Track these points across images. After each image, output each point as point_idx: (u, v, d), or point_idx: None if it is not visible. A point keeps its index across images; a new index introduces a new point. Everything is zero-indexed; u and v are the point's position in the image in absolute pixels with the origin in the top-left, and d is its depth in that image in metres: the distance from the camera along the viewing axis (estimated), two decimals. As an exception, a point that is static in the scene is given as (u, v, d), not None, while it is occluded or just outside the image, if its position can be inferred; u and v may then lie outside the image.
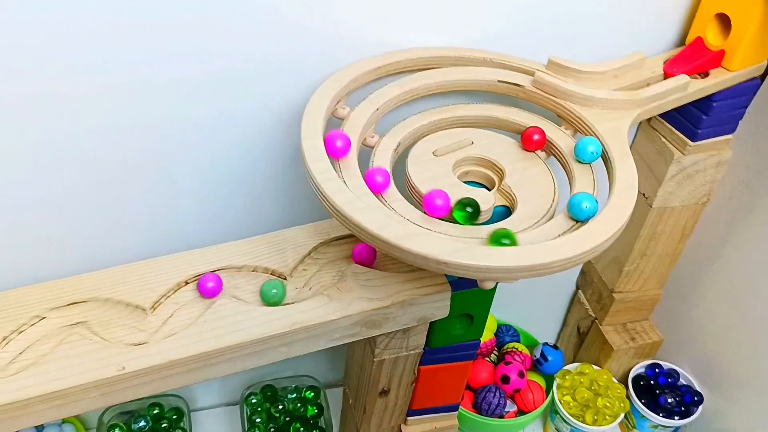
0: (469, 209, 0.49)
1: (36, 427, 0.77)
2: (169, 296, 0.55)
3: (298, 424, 0.78)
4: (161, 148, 0.60)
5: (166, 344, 0.51)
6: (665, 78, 0.62)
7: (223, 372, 0.53)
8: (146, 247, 0.65)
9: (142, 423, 0.76)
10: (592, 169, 0.54)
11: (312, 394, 0.81)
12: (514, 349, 0.87)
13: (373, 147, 0.56)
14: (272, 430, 0.78)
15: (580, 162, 0.54)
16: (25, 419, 0.49)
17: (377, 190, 0.50)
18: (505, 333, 0.90)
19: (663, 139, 0.71)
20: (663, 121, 0.70)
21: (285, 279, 0.57)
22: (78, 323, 0.53)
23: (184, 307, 0.55)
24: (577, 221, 0.49)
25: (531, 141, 0.56)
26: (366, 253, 0.57)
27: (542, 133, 0.56)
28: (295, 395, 0.82)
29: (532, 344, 0.92)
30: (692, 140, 0.68)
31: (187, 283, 0.56)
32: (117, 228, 0.64)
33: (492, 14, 0.61)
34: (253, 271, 0.58)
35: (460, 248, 0.44)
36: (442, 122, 0.59)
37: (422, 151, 0.56)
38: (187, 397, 0.83)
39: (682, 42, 0.67)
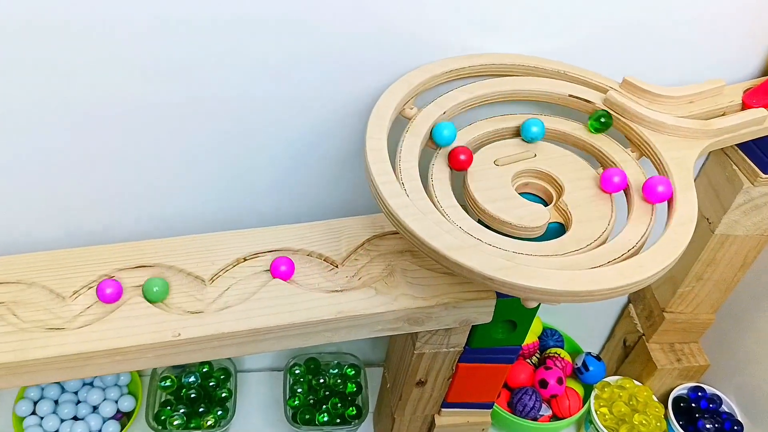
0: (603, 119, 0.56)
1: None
2: (228, 270, 0.58)
3: (336, 399, 0.81)
4: (241, 124, 0.62)
5: (220, 316, 0.54)
6: (743, 108, 0.61)
7: (269, 348, 0.56)
8: (213, 220, 0.69)
9: (192, 378, 0.81)
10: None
11: (353, 371, 0.84)
12: (556, 355, 0.87)
13: (436, 149, 0.57)
14: (311, 401, 0.81)
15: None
16: (88, 369, 0.53)
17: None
18: (550, 337, 0.91)
19: (734, 167, 0.69)
20: (736, 148, 0.68)
21: (337, 267, 0.59)
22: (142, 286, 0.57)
23: (241, 282, 0.58)
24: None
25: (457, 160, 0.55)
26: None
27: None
28: (336, 371, 0.85)
29: (575, 351, 0.92)
30: (764, 172, 0.66)
31: (245, 260, 0.59)
32: (189, 197, 0.68)
33: (573, 26, 0.60)
34: (308, 255, 0.60)
35: (505, 265, 0.45)
36: (507, 131, 0.60)
37: (484, 158, 0.56)
38: (236, 358, 0.87)
39: (765, 72, 0.65)
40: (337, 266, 0.59)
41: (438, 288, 0.57)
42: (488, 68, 0.61)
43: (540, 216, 0.52)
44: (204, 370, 0.83)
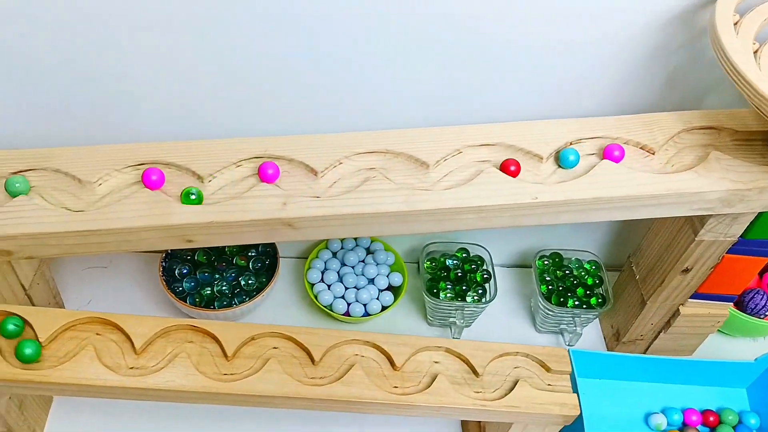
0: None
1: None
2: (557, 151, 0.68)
3: (581, 289, 0.91)
4: (559, 32, 0.70)
5: (568, 186, 0.64)
6: None
7: (602, 217, 0.66)
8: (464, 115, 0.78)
9: (454, 261, 0.92)
10: None
11: (593, 267, 0.94)
12: (779, 265, 0.95)
13: (756, 52, 0.64)
14: (560, 288, 0.91)
15: None
16: (454, 223, 0.65)
17: None
18: None
19: None
20: None
21: (653, 154, 0.68)
22: (372, 168, 0.67)
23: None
24: None
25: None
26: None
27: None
28: (576, 265, 0.94)
29: (790, 265, 0.98)
30: None
31: (571, 144, 0.68)
32: (423, 96, 0.76)
33: None
34: (625, 143, 0.69)
35: None
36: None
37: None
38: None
39: None
40: (653, 153, 0.68)
41: (752, 174, 0.65)
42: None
43: None
44: (463, 255, 0.94)
